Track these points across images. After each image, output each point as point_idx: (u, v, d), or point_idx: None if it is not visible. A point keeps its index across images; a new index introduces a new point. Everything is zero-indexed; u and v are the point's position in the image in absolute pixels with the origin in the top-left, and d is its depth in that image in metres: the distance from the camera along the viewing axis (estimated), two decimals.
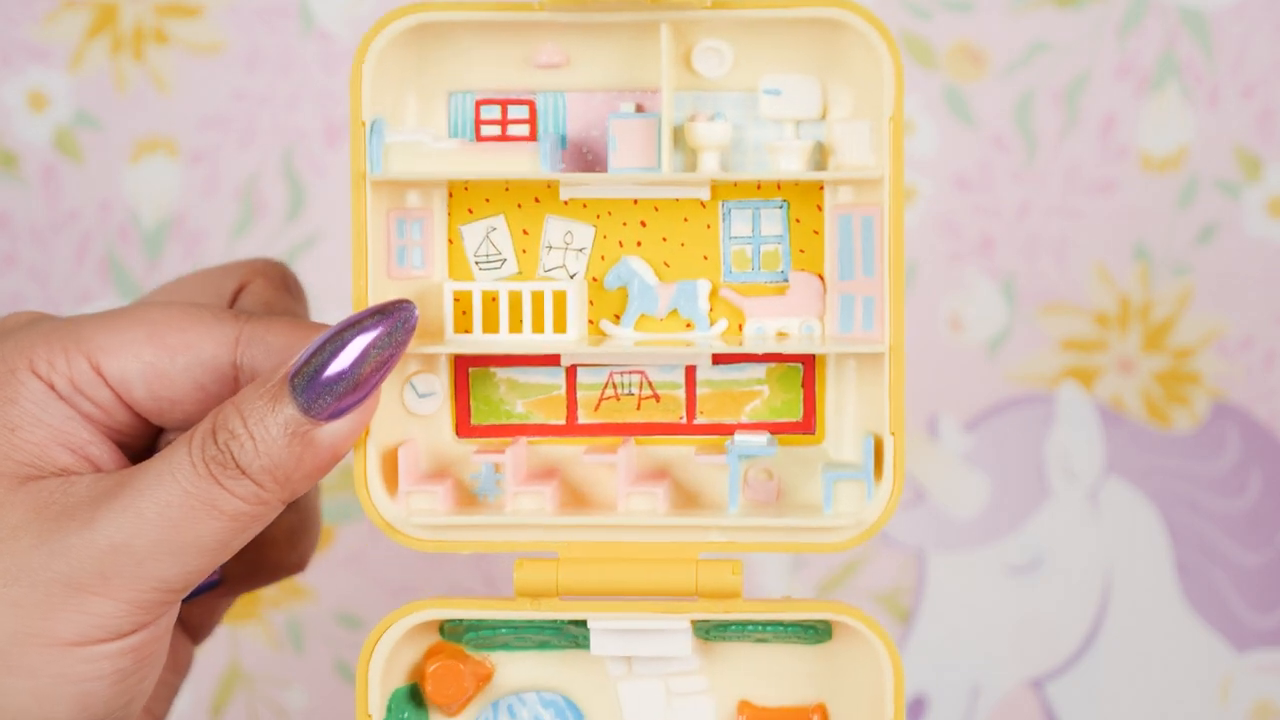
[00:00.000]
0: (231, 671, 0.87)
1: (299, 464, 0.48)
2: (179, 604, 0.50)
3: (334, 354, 0.47)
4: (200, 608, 0.57)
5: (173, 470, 0.47)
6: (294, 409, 0.47)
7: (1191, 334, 0.89)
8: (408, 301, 0.48)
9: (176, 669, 0.56)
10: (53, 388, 0.49)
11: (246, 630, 0.87)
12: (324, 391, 0.47)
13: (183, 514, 0.47)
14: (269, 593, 0.87)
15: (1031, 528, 0.89)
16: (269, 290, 0.54)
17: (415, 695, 0.51)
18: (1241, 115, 0.89)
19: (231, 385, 0.50)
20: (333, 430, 0.48)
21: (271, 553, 0.55)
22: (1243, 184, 0.89)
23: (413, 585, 0.87)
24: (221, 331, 0.50)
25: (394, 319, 0.48)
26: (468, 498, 0.51)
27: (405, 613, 0.50)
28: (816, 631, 0.51)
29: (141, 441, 0.52)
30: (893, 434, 0.49)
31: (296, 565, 0.56)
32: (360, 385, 0.47)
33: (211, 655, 0.87)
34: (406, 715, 0.51)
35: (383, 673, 0.50)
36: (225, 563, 0.54)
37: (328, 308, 0.87)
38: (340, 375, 0.47)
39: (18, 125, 0.86)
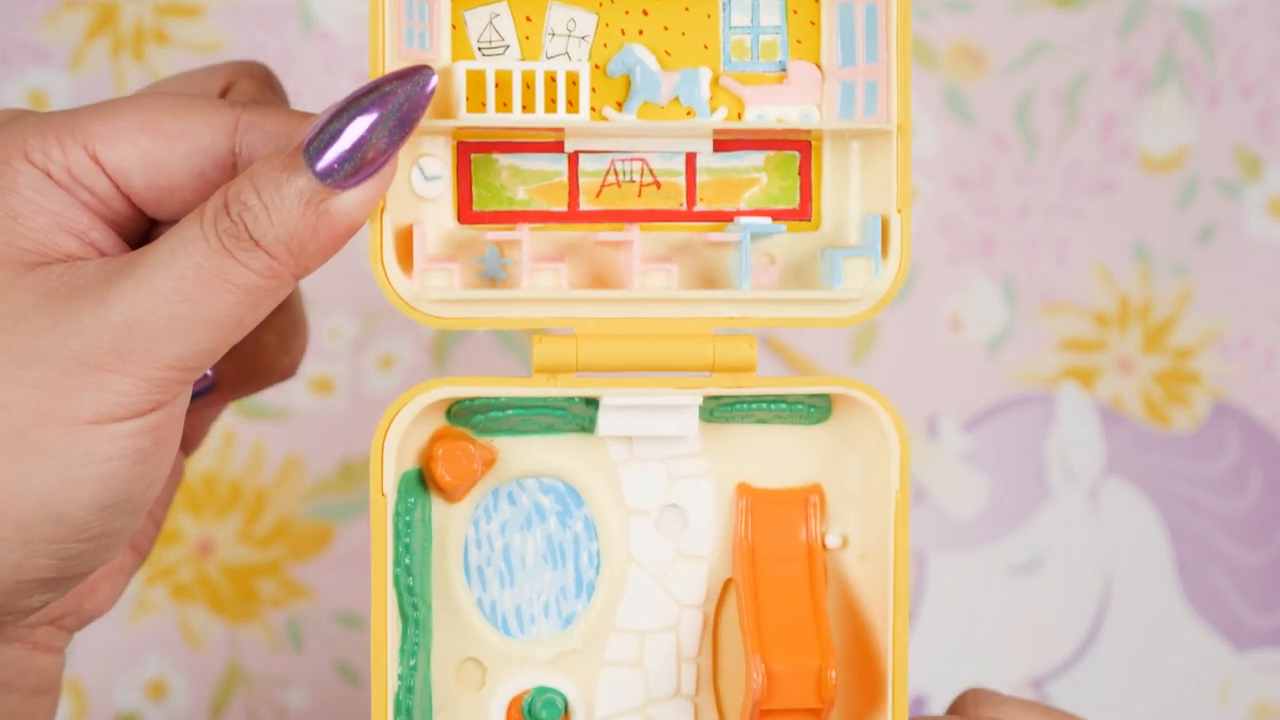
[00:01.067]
0: (231, 671, 0.87)
1: (314, 234, 0.47)
2: (191, 386, 0.49)
3: (351, 119, 0.47)
4: (192, 415, 0.56)
5: (185, 245, 0.47)
6: (309, 178, 0.47)
7: (1191, 334, 0.89)
8: (426, 66, 0.48)
9: (173, 478, 0.56)
10: (50, 175, 0.49)
11: (246, 630, 0.87)
12: (340, 158, 0.47)
13: (196, 288, 0.47)
14: (269, 592, 0.87)
15: (1031, 528, 0.89)
16: (256, 88, 0.53)
17: (420, 478, 0.51)
18: (1241, 115, 0.89)
19: (230, 173, 0.50)
20: (348, 199, 0.47)
21: (264, 357, 0.54)
22: (1243, 184, 0.89)
23: None
24: (219, 119, 0.49)
25: (412, 82, 0.47)
26: (475, 282, 0.51)
27: (421, 390, 0.50)
28: (816, 410, 0.52)
29: (136, 235, 0.51)
30: (899, 212, 0.50)
31: (289, 369, 0.55)
32: (377, 150, 0.47)
33: (211, 655, 0.87)
34: (413, 499, 0.51)
35: (398, 450, 0.50)
36: (218, 368, 0.54)
37: (331, 308, 0.87)
38: (359, 141, 0.47)
39: None
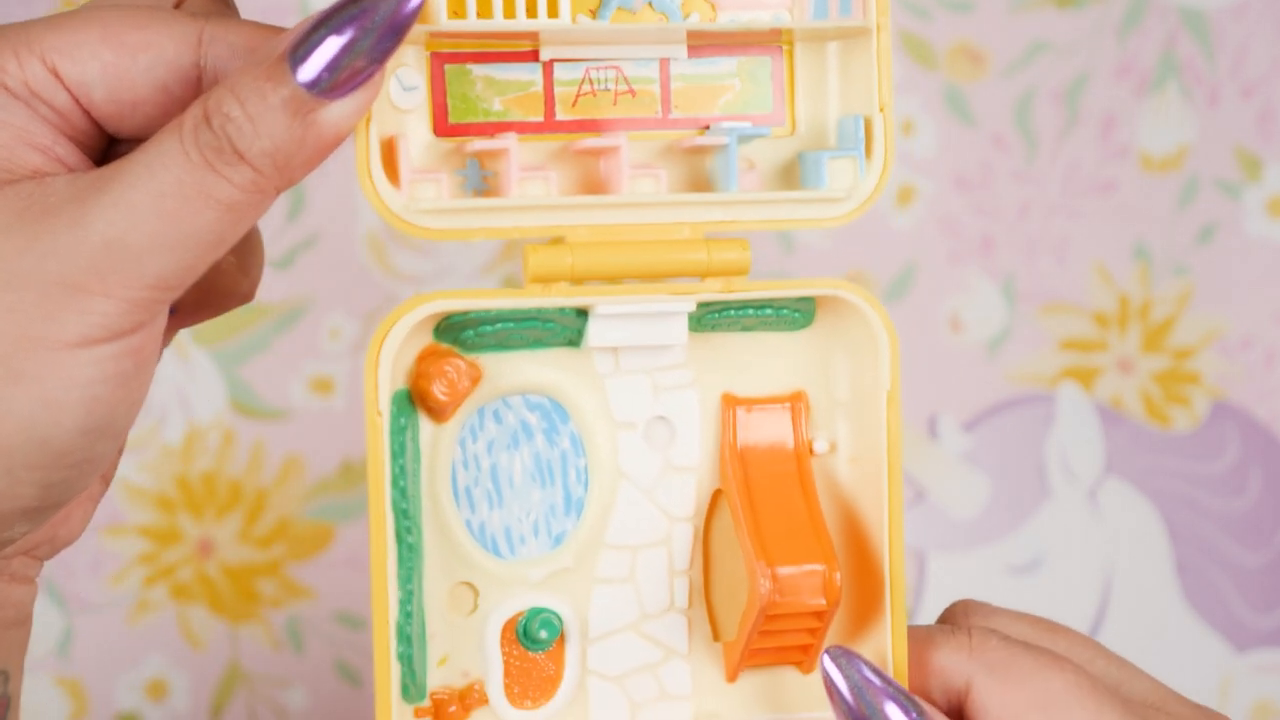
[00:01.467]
0: (231, 671, 0.87)
1: (300, 146, 0.45)
2: (168, 308, 0.48)
3: (336, 28, 0.45)
4: None
5: (164, 160, 0.45)
6: (295, 86, 0.45)
7: (1191, 334, 0.89)
8: None
9: None
10: (7, 89, 0.47)
11: (246, 630, 0.87)
12: (328, 66, 0.45)
13: (177, 205, 0.45)
14: (269, 592, 0.87)
15: (1031, 528, 0.89)
16: (209, 3, 0.51)
17: (408, 399, 0.51)
18: (1241, 115, 0.89)
19: (195, 88, 0.48)
20: (336, 110, 0.45)
21: (221, 280, 0.52)
22: (1243, 184, 0.89)
23: None
24: (182, 31, 0.48)
25: None
26: (463, 194, 0.50)
27: (417, 303, 0.49)
28: (801, 315, 0.52)
29: (96, 154, 0.49)
30: (881, 111, 0.50)
31: (248, 292, 0.53)
32: (367, 59, 0.45)
33: (211, 655, 0.87)
34: (404, 419, 0.50)
35: (393, 366, 0.49)
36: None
37: (331, 307, 0.87)
38: (345, 48, 0.45)
39: None
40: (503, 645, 0.52)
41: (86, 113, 0.48)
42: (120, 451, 0.55)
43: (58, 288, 0.45)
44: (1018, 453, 0.89)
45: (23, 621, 0.52)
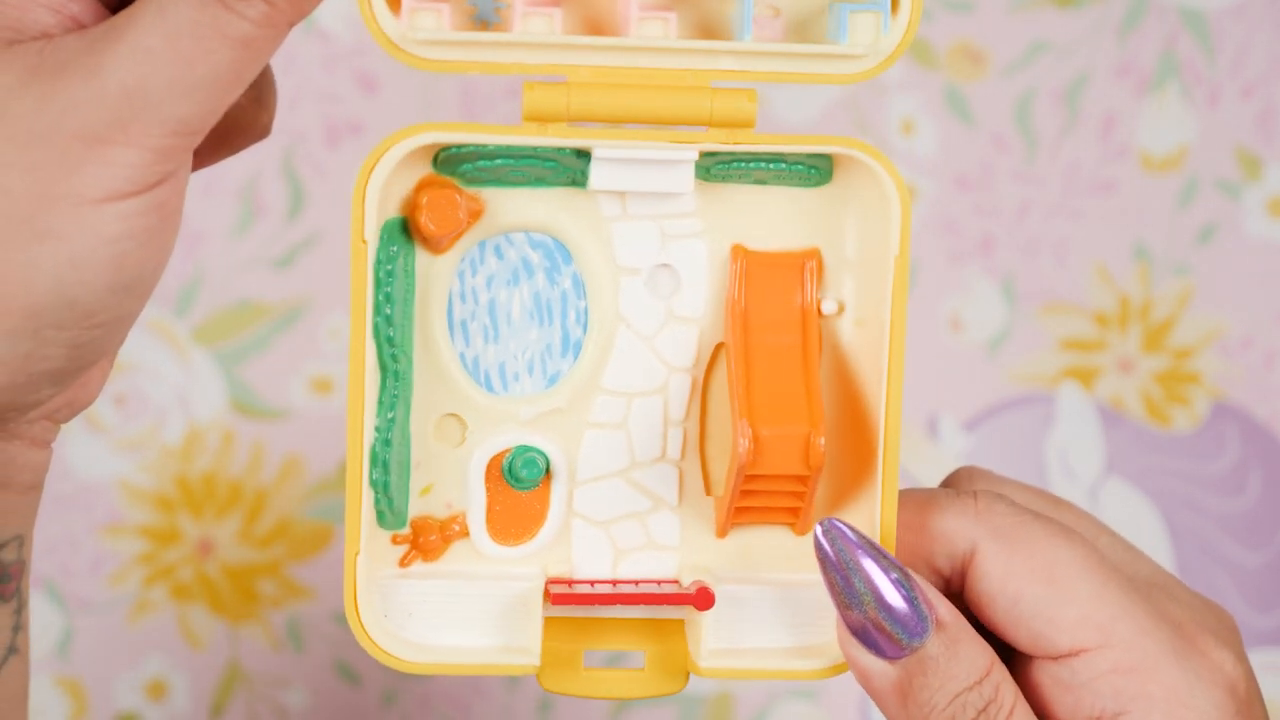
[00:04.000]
0: (231, 671, 0.87)
1: None
2: (192, 156, 0.47)
3: None
4: None
5: (175, 3, 0.44)
6: None
7: (1191, 334, 0.89)
8: None
9: None
10: None
11: (246, 630, 0.87)
12: None
13: (193, 44, 0.44)
14: (269, 592, 0.87)
15: None
16: None
17: (404, 228, 0.50)
18: (1241, 115, 0.89)
19: None
20: None
21: (239, 116, 0.52)
22: (1243, 184, 0.89)
23: None
24: None
25: None
26: (466, 25, 0.49)
27: (407, 134, 0.48)
28: (817, 173, 0.50)
29: (116, 2, 0.49)
30: None
31: (265, 127, 0.53)
32: None
33: (211, 655, 0.87)
34: (395, 247, 0.49)
35: (380, 195, 0.48)
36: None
37: (331, 307, 0.87)
38: None
39: None
40: (487, 480, 0.51)
41: None
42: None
43: (78, 142, 0.45)
44: (1018, 453, 0.89)
45: (37, 486, 0.51)
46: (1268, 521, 0.89)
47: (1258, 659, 0.89)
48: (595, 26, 0.50)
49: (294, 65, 0.86)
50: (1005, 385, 0.89)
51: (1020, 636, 0.49)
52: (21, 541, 0.51)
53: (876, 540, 0.49)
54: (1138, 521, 0.89)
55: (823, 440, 0.49)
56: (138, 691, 0.87)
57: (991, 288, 0.89)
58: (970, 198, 0.89)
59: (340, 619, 0.87)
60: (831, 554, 0.48)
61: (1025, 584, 0.48)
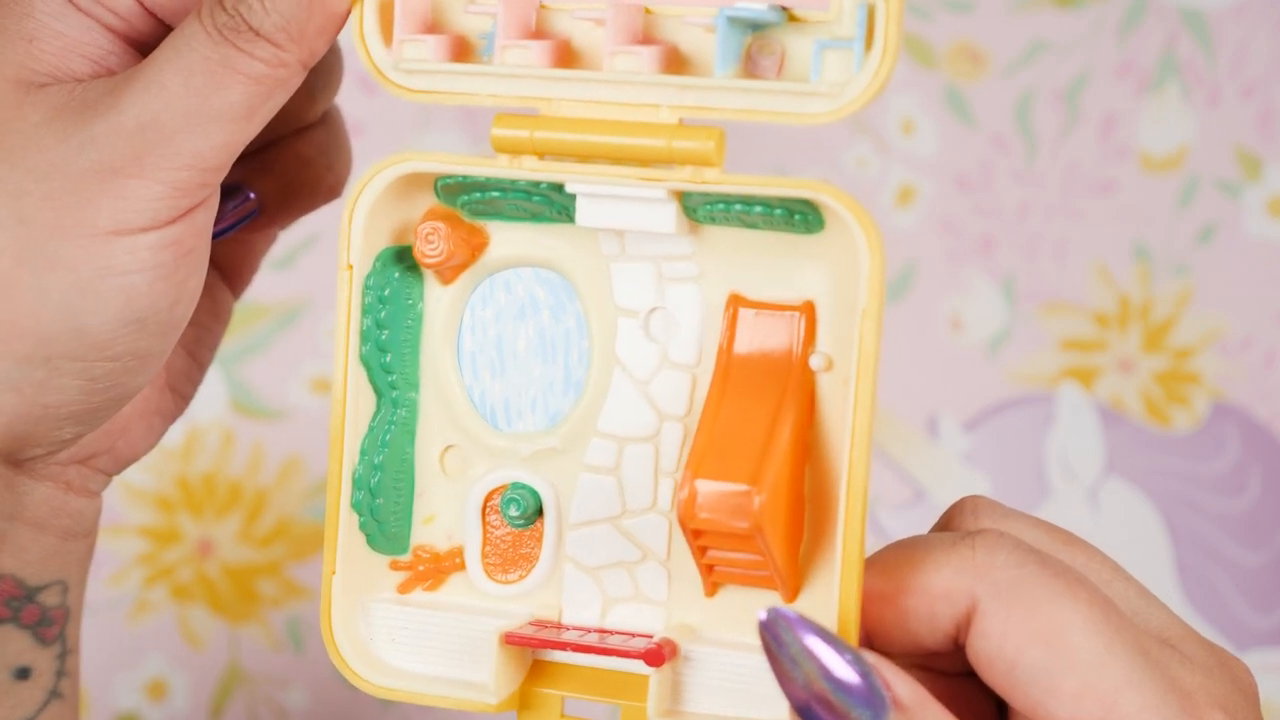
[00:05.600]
0: (231, 671, 0.87)
1: (310, 15, 0.47)
2: (216, 196, 0.48)
3: None
4: (240, 247, 0.56)
5: (189, 41, 0.46)
6: None
7: (1191, 334, 0.89)
8: None
9: (218, 316, 0.55)
10: (71, 1, 0.48)
11: (246, 630, 0.87)
12: None
13: (205, 80, 0.46)
14: (269, 592, 0.87)
15: None
16: None
17: (405, 257, 0.50)
18: (1241, 115, 0.89)
19: None
20: None
21: (307, 174, 0.54)
22: (1243, 184, 0.89)
23: None
24: None
25: None
26: (465, 52, 0.50)
27: (390, 164, 0.49)
28: (804, 219, 0.48)
29: (138, 42, 0.51)
30: None
31: (334, 186, 0.55)
32: None
33: (211, 655, 0.87)
34: (396, 275, 0.50)
35: (366, 226, 0.49)
36: (262, 191, 0.53)
37: (331, 307, 0.87)
38: None
39: None
40: (484, 515, 0.51)
41: (150, 12, 0.49)
42: (202, 369, 0.55)
43: (94, 175, 0.46)
44: (1018, 453, 0.89)
45: (84, 534, 0.52)
46: (1268, 521, 0.89)
47: (1258, 659, 0.89)
48: (571, 59, 0.50)
49: None
50: (1005, 385, 0.89)
51: (1019, 703, 0.45)
52: (66, 588, 0.52)
53: (832, 628, 0.46)
54: (1138, 521, 0.89)
55: (759, 498, 0.46)
56: (138, 691, 0.87)
57: (991, 288, 0.89)
58: (970, 198, 0.89)
59: None
60: (773, 637, 0.44)
61: (1024, 647, 0.45)
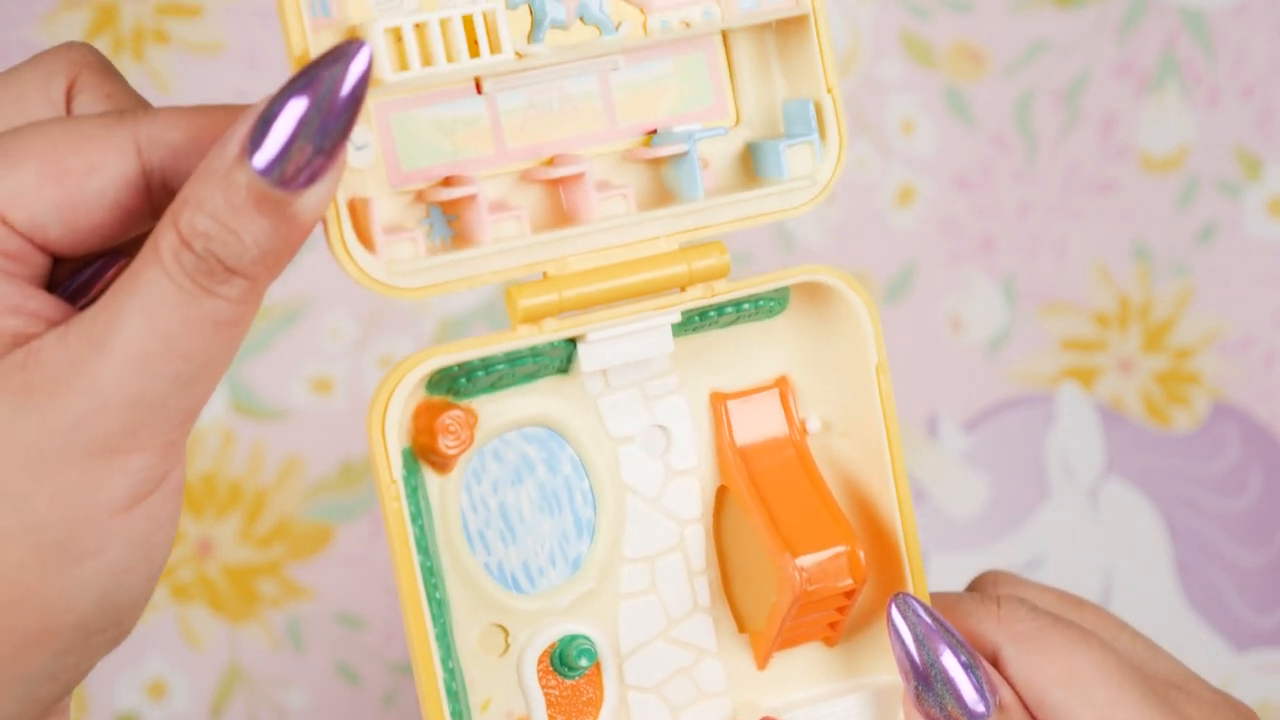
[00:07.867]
0: (231, 671, 0.87)
1: (287, 242, 0.44)
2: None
3: (301, 115, 0.43)
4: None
5: (158, 298, 0.43)
6: (264, 185, 0.43)
7: (1191, 334, 0.89)
8: (354, 39, 0.44)
9: None
10: None
11: (246, 630, 0.87)
12: (295, 155, 0.43)
13: (188, 342, 0.43)
14: (269, 592, 0.87)
15: (1031, 528, 0.89)
16: (104, 82, 0.48)
17: (412, 458, 0.50)
18: (1241, 115, 0.89)
19: (145, 196, 0.46)
20: (312, 198, 0.43)
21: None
22: (1243, 184, 0.89)
23: None
24: (119, 142, 0.45)
25: (350, 56, 0.43)
26: (435, 247, 0.49)
27: (414, 363, 0.48)
28: (778, 303, 0.52)
29: (47, 279, 0.47)
30: (829, 93, 0.50)
31: None
32: (331, 140, 0.43)
33: (211, 655, 0.87)
34: (414, 481, 0.50)
35: (399, 427, 0.48)
36: (130, 240, 0.49)
37: (331, 307, 0.87)
38: (321, 128, 0.43)
39: None
40: (540, 678, 0.52)
41: (41, 249, 0.46)
42: None
43: (94, 460, 0.44)
44: (1018, 453, 0.89)
45: None
46: (1268, 521, 0.89)
47: (1258, 659, 0.89)
48: (559, 216, 0.51)
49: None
50: (1005, 385, 0.89)
51: None
52: None
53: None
54: (1138, 521, 0.89)
55: (861, 552, 0.51)
56: (138, 691, 0.87)
57: (991, 288, 0.89)
58: (970, 198, 0.89)
59: (341, 619, 0.87)
60: (909, 635, 0.50)
61: (1046, 690, 0.50)
